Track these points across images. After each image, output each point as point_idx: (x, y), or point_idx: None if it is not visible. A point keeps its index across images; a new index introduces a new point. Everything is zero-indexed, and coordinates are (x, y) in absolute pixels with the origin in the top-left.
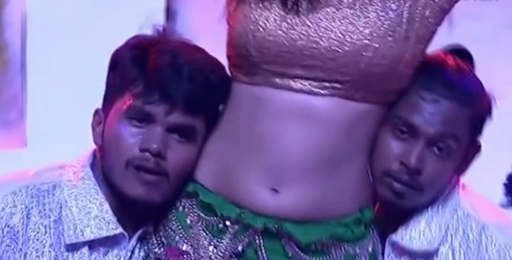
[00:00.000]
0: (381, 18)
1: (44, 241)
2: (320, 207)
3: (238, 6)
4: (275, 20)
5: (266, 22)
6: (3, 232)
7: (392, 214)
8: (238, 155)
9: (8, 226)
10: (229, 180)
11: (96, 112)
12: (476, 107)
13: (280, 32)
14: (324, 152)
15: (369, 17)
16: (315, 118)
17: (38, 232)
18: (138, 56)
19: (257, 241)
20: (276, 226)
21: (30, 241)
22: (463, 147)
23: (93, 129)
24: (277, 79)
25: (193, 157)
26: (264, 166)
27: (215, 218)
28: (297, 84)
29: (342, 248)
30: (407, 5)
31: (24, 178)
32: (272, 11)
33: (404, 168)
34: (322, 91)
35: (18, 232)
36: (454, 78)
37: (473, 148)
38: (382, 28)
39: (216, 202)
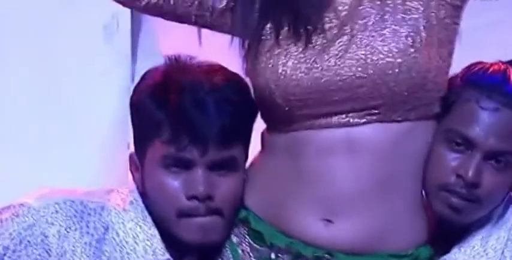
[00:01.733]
0: (397, 32)
1: (82, 258)
2: (375, 239)
3: (254, 60)
4: (293, 63)
5: (285, 68)
6: (37, 240)
7: (444, 233)
8: (285, 188)
9: (44, 235)
10: (279, 210)
11: (130, 157)
12: None
13: (301, 74)
14: (374, 180)
15: (384, 34)
16: (360, 148)
17: (76, 248)
18: (157, 98)
19: None
20: (326, 255)
21: (67, 255)
22: None
23: (133, 174)
24: (314, 121)
25: (241, 185)
26: (314, 199)
27: (265, 248)
28: (334, 119)
29: None
30: (420, 11)
31: (71, 194)
32: (288, 55)
33: (461, 181)
34: (360, 121)
35: (52, 243)
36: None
37: None
38: (400, 41)
39: (266, 231)
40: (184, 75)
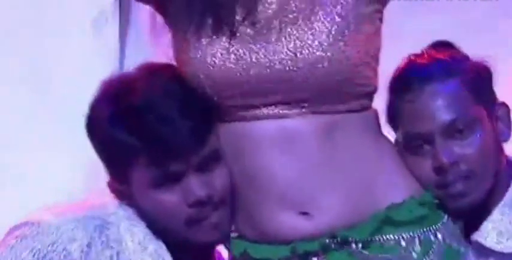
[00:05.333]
0: (327, 26)
1: None
2: (361, 207)
3: (182, 50)
4: (222, 54)
5: (213, 58)
6: (60, 256)
7: (469, 217)
8: (249, 199)
9: (66, 250)
10: (261, 221)
11: (110, 186)
12: (459, 77)
13: (230, 64)
14: (320, 164)
15: (314, 28)
16: (294, 139)
17: None
18: (124, 126)
19: None
20: (327, 240)
21: None
22: (477, 115)
23: (120, 200)
24: (244, 113)
25: (227, 168)
26: (276, 198)
27: None
28: (263, 111)
29: (407, 235)
30: (350, 5)
31: (90, 208)
32: (216, 45)
33: (443, 173)
34: (290, 112)
35: (75, 258)
36: (421, 69)
37: (497, 108)
38: (330, 35)
39: (265, 252)
40: (133, 95)
